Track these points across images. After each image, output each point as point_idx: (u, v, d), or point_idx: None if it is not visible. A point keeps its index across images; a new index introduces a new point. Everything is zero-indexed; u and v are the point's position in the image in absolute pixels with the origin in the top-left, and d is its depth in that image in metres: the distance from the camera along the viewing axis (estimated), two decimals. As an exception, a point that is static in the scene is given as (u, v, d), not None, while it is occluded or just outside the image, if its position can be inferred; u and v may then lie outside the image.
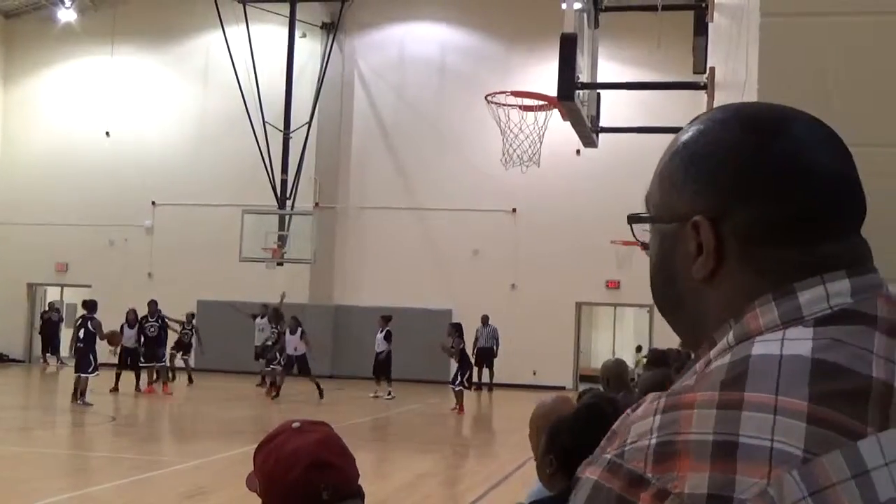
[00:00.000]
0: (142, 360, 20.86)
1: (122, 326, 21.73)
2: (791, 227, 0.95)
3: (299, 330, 20.69)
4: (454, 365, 19.65)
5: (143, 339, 21.70)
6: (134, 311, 21.52)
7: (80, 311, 18.99)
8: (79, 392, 17.61)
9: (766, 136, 0.97)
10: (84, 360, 17.82)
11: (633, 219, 1.07)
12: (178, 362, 23.00)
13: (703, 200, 0.98)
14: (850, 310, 0.92)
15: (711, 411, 0.84)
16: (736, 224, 0.96)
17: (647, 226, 1.06)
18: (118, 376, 20.16)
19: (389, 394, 21.51)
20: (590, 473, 0.87)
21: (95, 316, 18.44)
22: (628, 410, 0.92)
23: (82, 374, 17.66)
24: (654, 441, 0.84)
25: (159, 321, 21.42)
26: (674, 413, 0.85)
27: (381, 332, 21.77)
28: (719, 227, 0.96)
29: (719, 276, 0.97)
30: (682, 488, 0.81)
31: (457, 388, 19.16)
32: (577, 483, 0.88)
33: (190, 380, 22.83)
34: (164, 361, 21.19)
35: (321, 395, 19.97)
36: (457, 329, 19.38)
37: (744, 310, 0.95)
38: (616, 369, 5.73)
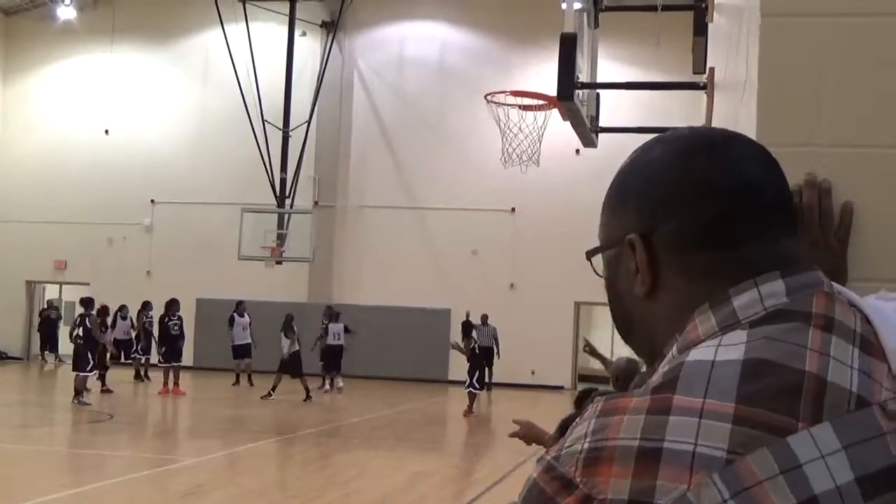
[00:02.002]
0: (160, 359, 20.73)
1: (115, 317, 21.87)
2: (713, 232, 0.98)
3: (290, 328, 20.75)
4: (463, 366, 19.47)
5: (138, 333, 21.92)
6: (125, 307, 21.89)
7: (80, 309, 18.95)
8: (77, 391, 17.58)
9: (685, 151, 1.03)
10: (82, 358, 17.79)
11: (588, 254, 1.12)
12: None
13: (634, 219, 1.03)
14: (784, 309, 0.94)
15: (640, 417, 0.85)
16: (663, 236, 1.00)
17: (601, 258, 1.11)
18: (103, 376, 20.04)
19: (341, 388, 22.17)
20: (534, 472, 0.89)
21: (93, 313, 18.42)
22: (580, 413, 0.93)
23: (80, 373, 17.63)
24: (586, 446, 0.86)
25: (180, 319, 21.39)
26: (607, 418, 0.87)
27: (336, 322, 22.27)
28: (651, 242, 1.01)
29: (659, 291, 1.01)
30: (606, 494, 0.82)
31: (466, 390, 19.01)
32: (527, 480, 0.90)
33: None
34: (181, 361, 21.12)
35: (308, 397, 19.77)
36: (466, 328, 19.33)
37: (686, 321, 0.97)
38: (627, 368, 5.70)
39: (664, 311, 1.00)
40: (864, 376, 0.89)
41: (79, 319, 18.97)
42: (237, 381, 22.25)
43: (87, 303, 18.64)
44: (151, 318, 22.58)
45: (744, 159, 1.02)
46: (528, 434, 3.95)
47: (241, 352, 22.04)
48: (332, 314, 23.01)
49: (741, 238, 0.98)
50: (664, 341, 0.99)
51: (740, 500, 0.80)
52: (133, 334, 22.90)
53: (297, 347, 20.45)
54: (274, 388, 19.81)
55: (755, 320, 0.93)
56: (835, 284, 1.00)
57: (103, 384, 19.70)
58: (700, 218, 0.99)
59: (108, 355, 20.30)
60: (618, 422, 0.86)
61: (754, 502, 0.80)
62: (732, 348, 0.90)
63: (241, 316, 22.07)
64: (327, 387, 22.31)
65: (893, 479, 0.84)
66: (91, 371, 17.86)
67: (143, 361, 22.90)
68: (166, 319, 21.20)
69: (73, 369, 17.94)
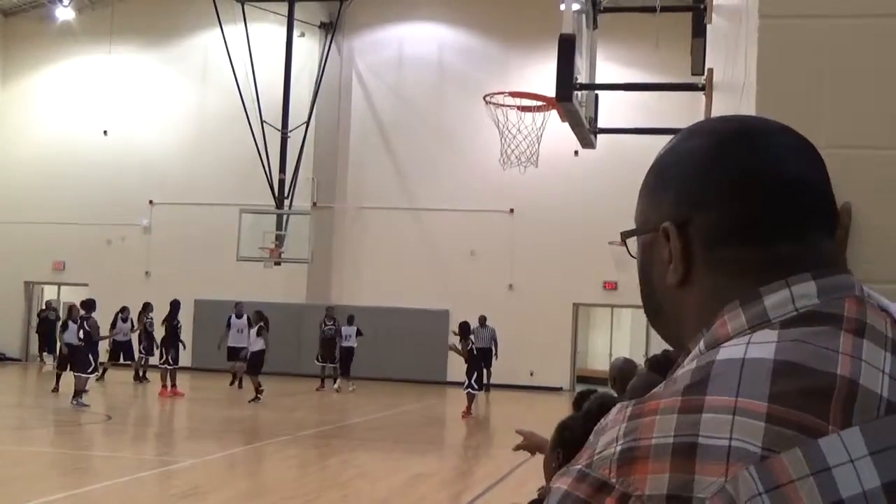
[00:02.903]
0: (168, 361, 20.67)
1: (115, 318, 21.88)
2: (749, 228, 0.98)
3: (259, 325, 20.41)
4: (462, 367, 19.44)
5: (140, 335, 21.91)
6: (127, 309, 21.85)
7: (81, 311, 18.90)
8: (76, 392, 17.57)
9: (727, 142, 1.01)
10: (83, 359, 17.79)
11: (624, 235, 1.12)
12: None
13: (671, 208, 1.02)
14: (815, 311, 0.93)
15: (673, 416, 0.85)
16: (699, 227, 1.00)
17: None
18: (104, 371, 20.07)
19: (339, 390, 22.65)
20: (560, 483, 0.89)
21: (93, 316, 18.40)
22: (602, 420, 0.93)
23: (82, 374, 17.61)
24: (618, 448, 0.86)
25: (178, 322, 21.42)
26: (638, 420, 0.87)
27: (350, 325, 23.02)
28: (685, 232, 1.00)
29: (690, 281, 1.01)
30: (643, 490, 0.82)
31: (465, 391, 18.97)
32: (549, 492, 0.90)
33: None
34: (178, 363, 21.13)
35: (257, 397, 19.27)
36: (463, 329, 19.31)
37: (714, 316, 0.97)
38: (625, 368, 5.70)
39: (694, 303, 1.00)
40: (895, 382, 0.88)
41: (68, 322, 19.19)
42: (233, 382, 22.26)
43: (87, 305, 18.62)
44: (152, 319, 22.56)
45: (787, 153, 1.01)
46: (532, 444, 3.95)
47: (235, 354, 21.99)
48: (332, 315, 23.17)
49: (777, 236, 0.98)
50: (690, 333, 0.99)
51: (773, 497, 0.80)
52: (133, 336, 22.86)
53: (265, 347, 20.24)
54: (258, 389, 19.47)
55: (786, 321, 0.93)
56: (865, 288, 0.99)
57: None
58: (737, 212, 0.98)
59: (121, 354, 20.45)
60: (650, 423, 0.86)
61: (786, 501, 0.80)
62: (763, 347, 0.90)
63: (239, 318, 22.03)
64: (339, 385, 22.79)
65: None
66: (92, 373, 17.83)
67: (143, 363, 22.88)
68: (174, 321, 21.19)
69: (73, 369, 17.91)
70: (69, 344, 19.84)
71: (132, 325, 22.73)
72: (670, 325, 1.05)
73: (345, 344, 23.04)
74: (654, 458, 0.83)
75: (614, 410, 0.91)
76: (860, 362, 0.88)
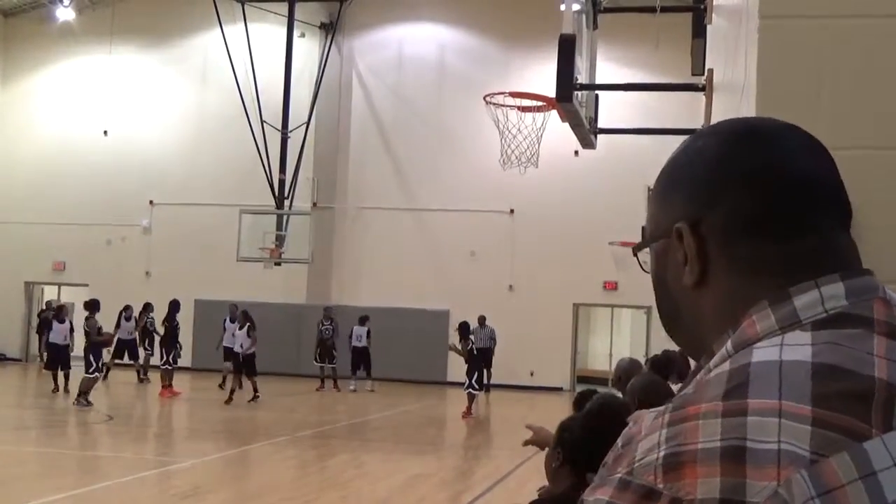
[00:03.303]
0: (170, 361, 20.66)
1: (119, 318, 21.90)
2: (762, 223, 0.97)
3: (248, 325, 19.96)
4: (462, 367, 19.38)
5: (142, 335, 21.96)
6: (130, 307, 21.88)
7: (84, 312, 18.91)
8: (80, 392, 17.60)
9: (735, 140, 1.01)
10: (85, 360, 17.82)
11: (636, 249, 1.12)
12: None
13: (682, 208, 1.01)
14: (846, 313, 0.93)
15: (717, 420, 0.84)
16: (712, 225, 0.99)
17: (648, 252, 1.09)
18: (107, 370, 20.10)
19: (355, 390, 22.90)
20: (600, 494, 0.87)
21: (94, 317, 18.41)
22: (630, 425, 0.92)
23: (86, 375, 17.65)
24: (661, 454, 0.84)
25: (177, 322, 21.40)
26: (679, 426, 0.86)
27: (363, 325, 23.20)
28: (698, 231, 0.99)
29: (708, 281, 1.00)
30: (695, 495, 0.81)
31: (466, 391, 18.94)
32: None
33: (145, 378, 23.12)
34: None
35: (255, 397, 19.24)
36: (463, 329, 19.28)
37: (739, 317, 0.96)
38: (630, 369, 5.71)
39: (713, 303, 0.99)
40: None
41: (52, 321, 19.49)
42: (222, 384, 22.15)
43: (91, 305, 18.65)
44: (153, 318, 22.57)
45: (797, 150, 1.01)
46: (541, 439, 3.96)
47: (227, 355, 21.89)
48: (329, 316, 23.22)
49: (791, 230, 0.97)
50: (711, 334, 0.98)
51: (825, 500, 0.79)
52: (136, 335, 22.88)
53: (253, 346, 19.87)
54: (256, 390, 19.30)
55: (817, 322, 0.92)
56: (888, 290, 0.98)
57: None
58: (749, 207, 0.97)
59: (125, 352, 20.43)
60: (693, 427, 0.85)
61: None
62: (797, 349, 0.89)
63: (233, 322, 21.87)
64: (354, 386, 22.99)
65: None
66: (94, 373, 17.82)
67: (143, 362, 22.90)
68: (173, 322, 21.18)
69: (61, 369, 17.91)
70: (54, 344, 19.86)
71: (136, 324, 22.74)
72: (689, 329, 1.04)
73: (356, 344, 23.12)
74: (702, 462, 0.82)
75: (650, 416, 0.90)
76: (895, 365, 0.88)
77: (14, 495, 9.61)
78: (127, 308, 22.74)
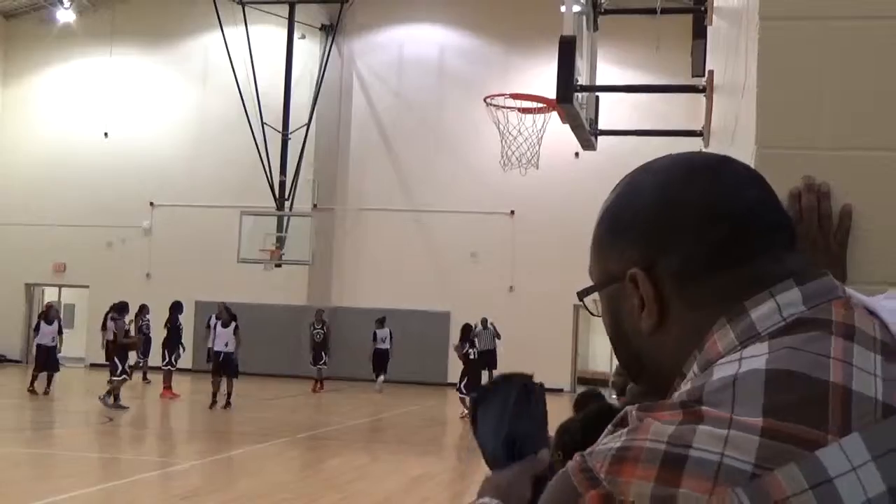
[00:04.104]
0: (172, 362, 20.60)
1: (104, 320, 21.93)
2: (720, 257, 0.97)
3: (233, 324, 19.11)
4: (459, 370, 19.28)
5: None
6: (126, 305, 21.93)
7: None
8: (107, 392, 17.58)
9: (680, 179, 1.01)
10: (111, 362, 17.85)
11: (581, 294, 1.10)
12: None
13: (633, 254, 1.01)
14: (804, 318, 0.93)
15: (671, 426, 0.84)
16: (667, 266, 0.99)
17: (596, 297, 1.08)
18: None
19: (380, 390, 23.03)
20: (569, 465, 0.88)
21: (122, 319, 18.44)
22: (615, 423, 0.92)
23: (112, 378, 17.66)
24: (616, 444, 0.86)
25: (180, 323, 21.36)
26: (640, 423, 0.87)
27: (383, 328, 23.52)
28: (654, 275, 0.99)
29: (668, 322, 0.99)
30: (627, 496, 0.81)
31: (460, 395, 18.80)
32: (559, 473, 0.90)
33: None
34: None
35: (228, 403, 18.52)
36: (462, 332, 19.18)
37: (704, 340, 0.96)
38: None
39: (673, 344, 0.99)
40: (888, 383, 0.88)
41: (41, 323, 19.57)
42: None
43: (118, 308, 18.71)
44: (149, 321, 22.57)
45: (740, 182, 1.01)
46: None
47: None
48: (321, 318, 23.36)
49: (747, 257, 0.97)
50: (676, 370, 0.98)
51: None
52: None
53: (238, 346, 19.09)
54: (229, 395, 18.64)
55: (775, 331, 0.92)
56: (848, 289, 0.99)
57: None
58: (705, 245, 0.98)
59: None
60: (648, 425, 0.85)
61: None
62: (753, 360, 0.89)
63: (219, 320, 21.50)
64: (378, 387, 23.25)
65: None
66: (121, 375, 17.76)
67: (141, 365, 22.90)
68: (175, 323, 21.15)
69: (45, 370, 17.79)
70: (41, 345, 19.88)
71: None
72: (652, 371, 1.04)
73: (380, 346, 23.48)
74: (643, 461, 0.82)
75: (630, 410, 0.91)
76: (851, 367, 0.88)
77: (13, 497, 9.61)
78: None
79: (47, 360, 19.89)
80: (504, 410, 1.46)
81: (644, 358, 1.04)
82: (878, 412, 0.85)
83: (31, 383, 19.75)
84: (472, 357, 18.92)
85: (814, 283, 0.96)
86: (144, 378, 23.12)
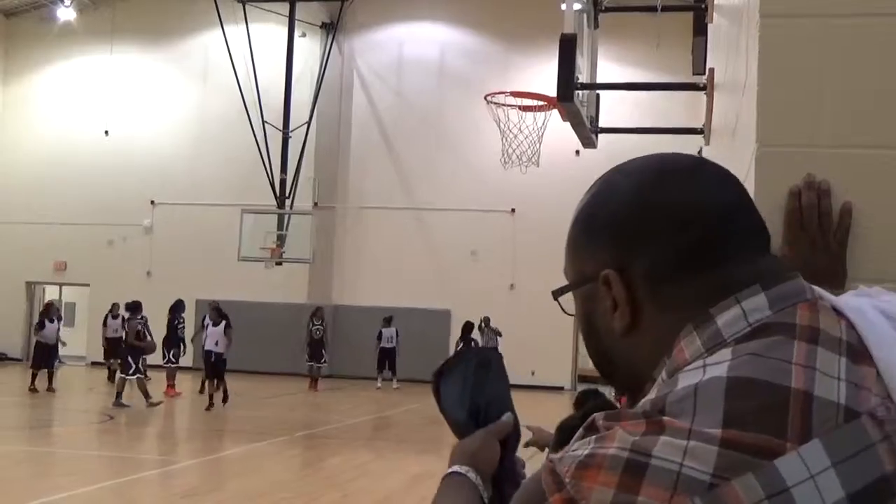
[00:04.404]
0: (172, 359, 20.59)
1: (106, 318, 21.97)
2: (692, 260, 0.97)
3: (223, 323, 18.81)
4: None
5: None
6: (117, 305, 22.15)
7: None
8: (117, 392, 17.59)
9: (654, 182, 1.01)
10: (124, 361, 17.85)
11: (556, 293, 1.11)
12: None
13: (606, 255, 1.01)
14: (768, 323, 0.93)
15: (634, 436, 0.85)
16: (640, 269, 0.99)
17: (570, 297, 1.09)
18: (111, 369, 20.11)
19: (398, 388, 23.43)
20: (542, 468, 0.90)
21: (136, 318, 18.44)
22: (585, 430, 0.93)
23: (124, 377, 17.67)
24: (585, 451, 0.86)
25: (181, 321, 21.36)
26: (607, 431, 0.87)
27: (389, 327, 23.62)
28: (627, 277, 0.99)
29: (640, 324, 1.00)
30: (589, 500, 0.82)
31: None
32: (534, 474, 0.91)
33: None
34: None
35: (225, 399, 18.19)
36: (463, 330, 19.14)
37: (673, 346, 0.96)
38: None
39: (646, 345, 0.99)
40: (852, 386, 0.88)
41: (45, 321, 19.69)
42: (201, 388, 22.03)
43: (132, 307, 18.73)
44: (145, 318, 22.61)
45: (714, 185, 1.01)
46: (542, 440, 3.95)
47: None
48: (320, 315, 23.29)
49: (718, 261, 0.97)
50: (647, 373, 0.98)
51: None
52: (122, 334, 22.88)
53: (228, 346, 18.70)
54: (225, 393, 18.31)
55: (740, 337, 0.92)
56: (817, 289, 0.99)
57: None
58: (677, 247, 0.98)
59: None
60: (614, 434, 0.86)
61: None
62: (717, 367, 0.89)
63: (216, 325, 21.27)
64: (382, 383, 23.51)
65: (886, 491, 0.83)
66: (133, 374, 17.74)
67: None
68: (176, 321, 21.15)
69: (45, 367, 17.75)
70: (43, 343, 19.90)
71: (122, 322, 22.75)
72: (624, 372, 1.04)
73: (386, 345, 23.64)
74: (607, 469, 0.83)
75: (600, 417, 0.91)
76: (814, 371, 0.88)
77: (14, 495, 9.61)
78: (114, 306, 22.85)
79: (48, 358, 19.89)
80: (465, 381, 1.51)
81: (616, 359, 1.04)
82: (840, 417, 0.85)
83: (32, 382, 19.75)
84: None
85: (780, 286, 0.96)
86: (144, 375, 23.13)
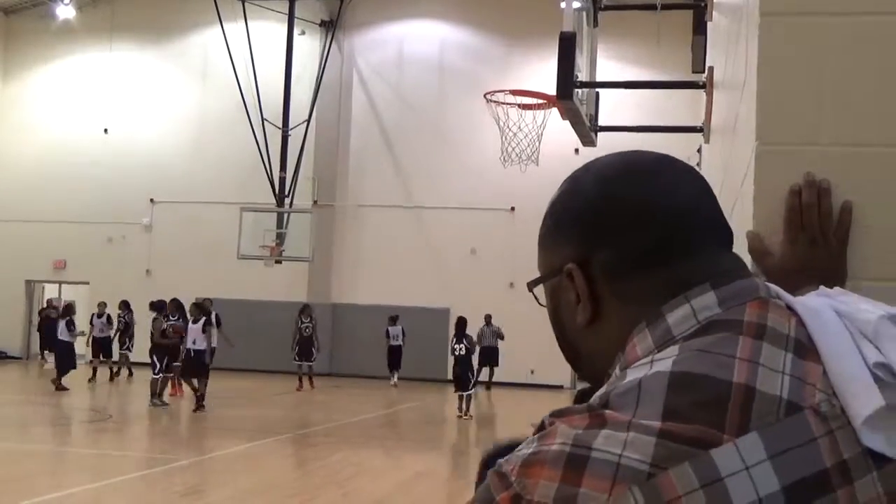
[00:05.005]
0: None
1: (92, 317, 22.03)
2: (650, 256, 0.99)
3: (203, 320, 17.94)
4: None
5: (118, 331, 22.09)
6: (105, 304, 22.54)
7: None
8: (151, 393, 17.59)
9: (616, 179, 1.04)
10: (151, 361, 17.86)
11: (530, 285, 1.15)
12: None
13: (570, 249, 1.04)
14: (716, 320, 0.94)
15: (577, 430, 0.86)
16: (600, 263, 1.02)
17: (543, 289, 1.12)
18: (95, 369, 20.15)
19: (396, 384, 23.61)
20: (489, 475, 0.91)
21: (160, 318, 18.40)
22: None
23: (152, 376, 17.70)
24: (528, 450, 0.88)
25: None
26: (549, 429, 0.89)
27: (395, 325, 23.90)
28: (588, 271, 1.02)
29: (601, 318, 1.02)
30: (533, 496, 0.84)
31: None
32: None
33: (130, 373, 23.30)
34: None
35: (199, 406, 17.10)
36: (457, 326, 19.02)
37: (626, 343, 0.98)
38: None
39: (606, 338, 1.01)
40: (796, 381, 0.89)
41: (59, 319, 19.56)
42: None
43: (157, 307, 18.74)
44: (131, 315, 22.62)
45: (676, 182, 1.03)
46: None
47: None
48: (309, 313, 23.06)
49: (675, 257, 0.99)
50: (608, 366, 1.00)
51: None
52: (110, 333, 22.91)
53: (210, 345, 18.03)
54: (201, 396, 17.27)
55: (688, 334, 0.94)
56: (774, 288, 1.00)
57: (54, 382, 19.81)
58: (635, 244, 1.00)
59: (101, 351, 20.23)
60: (556, 430, 0.88)
61: None
62: (662, 363, 0.90)
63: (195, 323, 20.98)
64: (395, 381, 23.80)
65: (823, 485, 0.84)
66: (158, 374, 17.71)
67: (124, 360, 22.99)
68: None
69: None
70: (65, 342, 19.95)
71: (108, 321, 22.77)
72: (589, 363, 1.06)
73: (394, 343, 23.85)
74: (550, 464, 0.85)
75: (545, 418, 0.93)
76: (757, 366, 0.89)
77: (16, 493, 9.61)
78: (100, 305, 22.91)
79: (69, 358, 19.92)
80: None
81: (581, 351, 1.07)
82: (782, 411, 0.86)
83: (60, 380, 19.70)
84: (458, 353, 18.58)
85: (731, 285, 0.97)
86: (129, 373, 23.18)
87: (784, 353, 0.91)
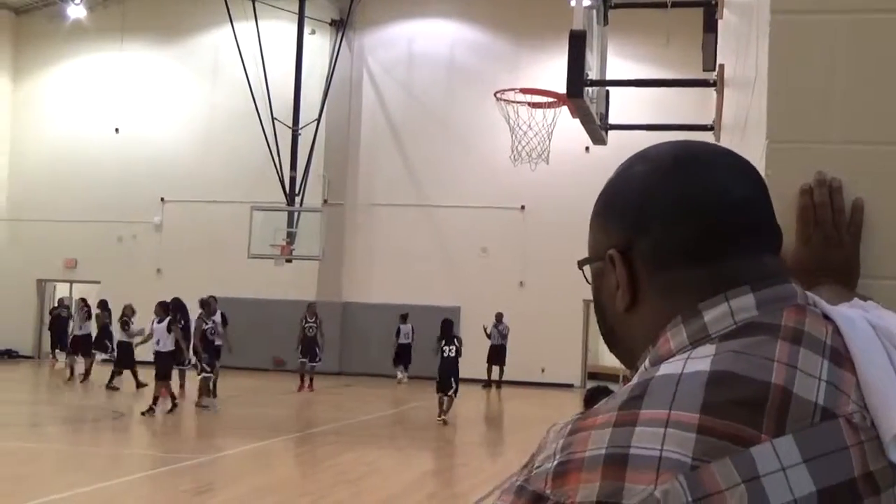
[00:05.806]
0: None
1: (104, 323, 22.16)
2: (692, 249, 0.99)
3: (168, 320, 17.21)
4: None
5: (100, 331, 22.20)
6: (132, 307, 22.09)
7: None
8: (199, 394, 17.39)
9: (666, 168, 1.03)
10: (198, 361, 17.71)
11: (580, 263, 1.15)
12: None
13: (615, 235, 1.05)
14: (754, 322, 0.95)
15: (608, 430, 0.86)
16: (642, 252, 1.02)
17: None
18: (114, 374, 20.12)
19: (402, 381, 23.94)
20: (502, 499, 0.90)
21: (200, 317, 18.03)
22: (543, 437, 0.94)
23: (198, 375, 17.50)
24: (554, 462, 0.87)
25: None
26: (574, 436, 0.89)
27: (405, 323, 24.29)
28: (629, 258, 1.02)
29: (640, 305, 1.02)
30: (574, 499, 0.84)
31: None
32: None
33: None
34: None
35: (149, 409, 16.12)
36: (445, 327, 18.29)
37: (659, 335, 0.98)
38: None
39: (642, 325, 1.02)
40: (832, 388, 0.90)
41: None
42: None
43: (202, 304, 18.70)
44: (110, 313, 22.63)
45: (728, 176, 1.02)
46: None
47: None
48: (313, 312, 22.67)
49: (718, 254, 0.99)
50: (642, 353, 1.01)
51: None
52: (91, 332, 22.84)
53: (174, 346, 17.27)
54: (155, 399, 16.43)
55: (725, 334, 0.94)
56: (810, 295, 1.00)
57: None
58: (678, 236, 1.00)
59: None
60: (585, 437, 0.87)
61: None
62: (699, 361, 0.91)
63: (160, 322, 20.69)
64: (402, 377, 24.10)
65: (854, 493, 0.85)
66: (200, 374, 17.39)
67: (98, 359, 22.99)
68: (187, 322, 21.11)
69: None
70: (86, 335, 20.13)
71: (88, 317, 22.76)
72: (625, 347, 1.07)
73: (403, 341, 24.21)
74: (586, 469, 0.84)
75: (556, 428, 0.93)
76: (795, 370, 0.89)
77: (28, 491, 9.65)
78: (83, 302, 23.05)
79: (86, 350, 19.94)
80: None
81: (618, 334, 1.07)
82: (817, 416, 0.87)
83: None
84: (447, 355, 17.77)
85: (771, 289, 0.97)
86: (86, 376, 23.11)
87: (821, 359, 0.92)
